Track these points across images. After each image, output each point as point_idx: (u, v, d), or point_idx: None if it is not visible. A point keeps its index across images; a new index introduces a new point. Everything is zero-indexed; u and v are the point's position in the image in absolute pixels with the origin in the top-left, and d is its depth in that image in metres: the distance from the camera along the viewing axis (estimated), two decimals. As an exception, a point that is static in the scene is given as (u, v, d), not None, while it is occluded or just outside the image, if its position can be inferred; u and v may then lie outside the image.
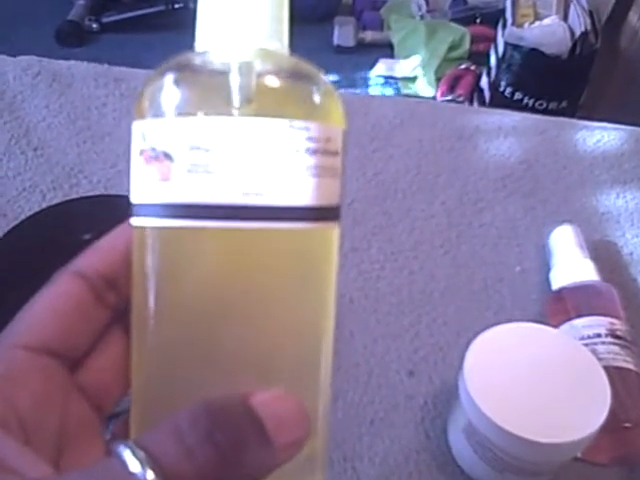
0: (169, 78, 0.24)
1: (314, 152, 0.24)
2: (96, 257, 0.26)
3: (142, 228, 0.24)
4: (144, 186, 0.24)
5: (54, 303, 0.25)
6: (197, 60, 0.25)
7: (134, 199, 0.25)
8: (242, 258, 0.24)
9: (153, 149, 0.23)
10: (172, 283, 0.25)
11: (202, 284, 0.24)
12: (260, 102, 0.24)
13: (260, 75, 0.24)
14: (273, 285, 0.25)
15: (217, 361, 0.24)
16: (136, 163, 0.24)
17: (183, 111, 0.23)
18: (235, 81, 0.24)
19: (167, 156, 0.23)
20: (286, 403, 0.22)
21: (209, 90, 0.24)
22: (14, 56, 0.79)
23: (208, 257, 0.24)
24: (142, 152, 0.24)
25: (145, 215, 0.24)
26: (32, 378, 0.24)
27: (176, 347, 0.24)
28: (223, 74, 0.24)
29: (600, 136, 0.75)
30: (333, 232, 0.26)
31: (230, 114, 0.23)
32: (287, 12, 0.26)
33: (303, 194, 0.24)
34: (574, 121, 0.79)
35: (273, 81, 0.25)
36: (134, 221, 0.25)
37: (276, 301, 0.25)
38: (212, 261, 0.24)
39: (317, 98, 0.25)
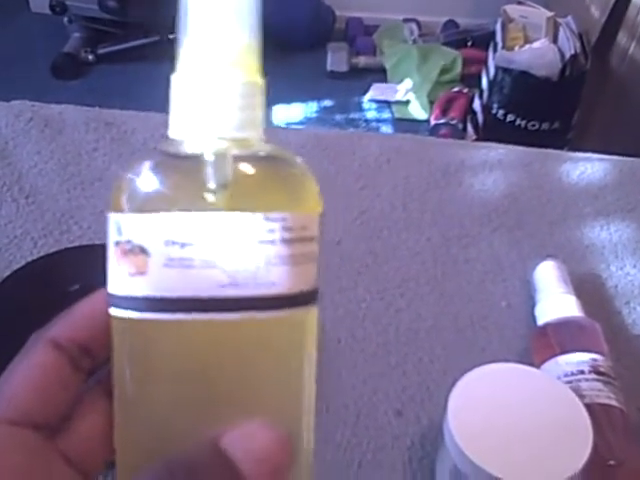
0: (145, 170, 0.25)
1: (291, 241, 0.24)
2: (71, 326, 0.27)
3: (120, 319, 0.25)
4: (120, 278, 0.24)
5: (34, 375, 0.26)
6: (172, 150, 0.25)
7: (111, 289, 0.25)
8: (220, 347, 0.25)
9: (129, 242, 0.24)
10: (150, 371, 0.25)
11: (179, 373, 0.25)
12: (235, 189, 0.24)
13: (235, 162, 0.24)
14: (252, 371, 0.25)
15: (198, 430, 0.24)
16: (112, 254, 0.25)
17: (159, 205, 0.24)
18: (210, 169, 0.24)
19: (143, 250, 0.23)
20: (260, 434, 0.22)
21: (184, 181, 0.25)
22: (10, 96, 0.80)
23: (186, 347, 0.25)
24: (118, 244, 0.24)
25: (123, 307, 0.24)
26: (17, 453, 0.25)
27: (156, 425, 0.25)
28: (198, 163, 0.24)
29: (584, 168, 0.76)
30: (312, 315, 0.26)
31: (206, 203, 0.24)
32: (262, 99, 0.26)
33: (281, 283, 0.24)
34: (559, 152, 0.80)
35: (248, 168, 0.25)
36: (112, 311, 0.25)
37: (256, 386, 0.25)
38: (190, 350, 0.25)
39: (293, 185, 0.26)
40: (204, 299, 0.23)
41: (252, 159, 0.25)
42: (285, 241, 0.24)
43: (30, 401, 0.25)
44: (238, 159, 0.25)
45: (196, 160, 0.25)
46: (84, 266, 0.52)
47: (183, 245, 0.23)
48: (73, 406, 0.27)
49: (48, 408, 0.26)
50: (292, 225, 0.24)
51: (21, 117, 0.77)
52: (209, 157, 0.24)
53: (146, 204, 0.24)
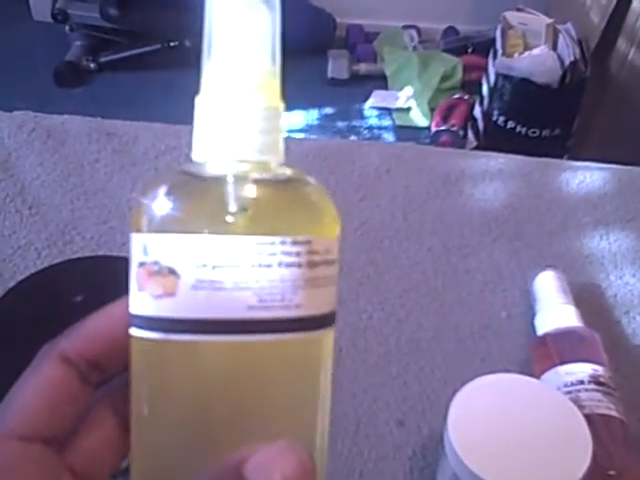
0: (168, 192, 0.25)
1: (315, 265, 0.25)
2: (81, 340, 0.27)
3: (142, 339, 0.25)
4: (145, 299, 0.24)
5: (42, 390, 0.26)
6: (194, 171, 0.25)
7: (134, 310, 0.25)
8: (242, 368, 0.25)
9: (156, 263, 0.24)
10: (170, 392, 0.25)
11: (201, 393, 0.25)
12: (256, 212, 0.24)
13: (255, 185, 0.25)
14: (273, 392, 0.25)
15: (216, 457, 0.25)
16: (136, 275, 0.25)
17: (187, 227, 0.24)
18: (231, 191, 0.25)
19: (172, 272, 0.23)
20: (283, 460, 0.22)
21: (207, 203, 0.25)
22: (13, 104, 0.81)
23: (209, 368, 0.25)
24: (143, 265, 0.24)
25: (147, 328, 0.24)
26: (27, 468, 0.25)
27: (176, 445, 0.25)
28: (220, 185, 0.25)
29: (583, 177, 0.76)
30: (331, 336, 0.27)
31: (227, 225, 0.24)
32: (281, 123, 0.26)
33: (307, 305, 0.24)
34: (558, 161, 0.81)
35: (268, 191, 0.25)
36: (134, 332, 0.25)
37: (277, 407, 0.26)
38: (213, 371, 0.25)
39: (312, 209, 0.26)
40: (233, 320, 0.24)
41: (272, 182, 0.26)
42: (311, 264, 0.24)
43: (39, 416, 0.26)
44: (258, 182, 0.25)
45: (218, 182, 0.25)
46: (88, 277, 0.52)
47: (214, 267, 0.23)
48: (80, 420, 0.27)
49: (56, 422, 0.26)
50: (317, 248, 0.25)
51: (24, 128, 0.77)
52: (230, 180, 0.25)
53: (170, 225, 0.24)
